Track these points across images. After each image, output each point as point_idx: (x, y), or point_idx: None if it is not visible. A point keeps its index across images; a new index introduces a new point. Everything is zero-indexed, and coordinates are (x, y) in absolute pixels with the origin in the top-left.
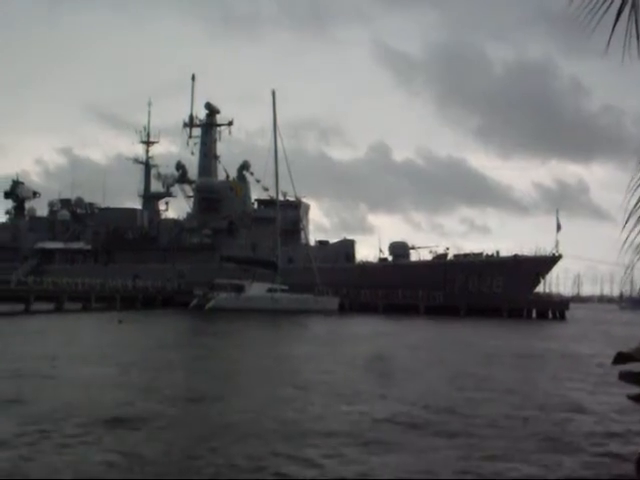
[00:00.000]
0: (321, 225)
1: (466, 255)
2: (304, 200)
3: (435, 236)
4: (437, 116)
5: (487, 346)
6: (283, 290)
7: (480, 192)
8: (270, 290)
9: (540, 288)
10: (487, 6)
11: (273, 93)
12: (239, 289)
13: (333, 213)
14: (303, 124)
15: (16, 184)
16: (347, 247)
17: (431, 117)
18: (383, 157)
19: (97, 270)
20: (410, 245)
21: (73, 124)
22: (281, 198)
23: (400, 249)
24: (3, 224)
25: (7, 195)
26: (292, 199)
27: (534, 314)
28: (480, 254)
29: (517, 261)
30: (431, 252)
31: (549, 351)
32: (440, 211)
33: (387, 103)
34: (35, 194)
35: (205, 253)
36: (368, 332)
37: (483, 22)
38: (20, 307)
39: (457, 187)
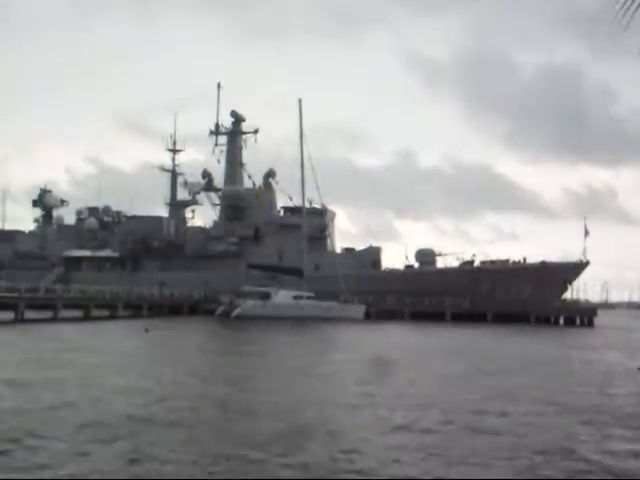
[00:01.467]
0: (347, 232)
1: (493, 262)
2: (330, 207)
3: (462, 243)
4: (464, 121)
5: (533, 355)
6: (309, 297)
7: (507, 198)
8: (296, 297)
9: (568, 295)
10: (514, 10)
11: (299, 101)
12: (265, 296)
13: (359, 220)
14: (329, 130)
15: (44, 192)
16: (373, 254)
17: (458, 122)
18: (409, 163)
19: (124, 278)
20: (437, 252)
21: (101, 132)
22: (307, 205)
23: (426, 256)
24: (31, 232)
25: (35, 203)
26: (318, 206)
27: (561, 321)
28: (507, 261)
29: (544, 267)
30: (458, 259)
31: (594, 361)
32: (467, 217)
33: (413, 108)
34: (63, 202)
35: (231, 261)
36: (409, 342)
37: (510, 26)
38: (48, 314)
39: (484, 193)
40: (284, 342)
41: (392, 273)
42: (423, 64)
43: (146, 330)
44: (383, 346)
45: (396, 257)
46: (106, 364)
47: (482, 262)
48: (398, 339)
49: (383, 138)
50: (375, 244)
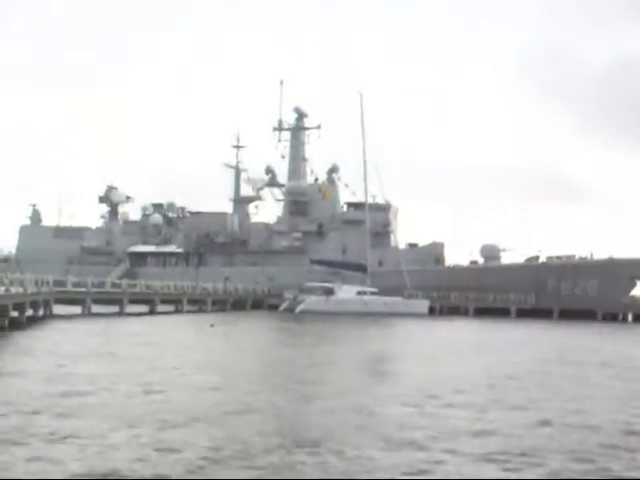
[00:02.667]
0: (411, 227)
1: (559, 257)
2: (393, 202)
3: (527, 238)
4: (530, 113)
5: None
6: (373, 293)
7: (575, 192)
8: (360, 293)
9: (636, 291)
10: None
11: (361, 96)
12: (329, 292)
13: (424, 215)
14: (393, 121)
15: (110, 189)
16: (437, 249)
17: (523, 114)
18: (474, 156)
19: (188, 273)
20: (501, 247)
21: (163, 127)
22: (370, 200)
23: (491, 251)
24: (98, 228)
25: (101, 200)
26: (381, 201)
27: (630, 318)
28: (573, 256)
29: (612, 263)
30: (523, 254)
31: None
32: (533, 212)
33: (477, 100)
34: (128, 198)
35: (295, 256)
36: (487, 339)
37: (578, 14)
38: (114, 309)
39: (551, 187)
40: (370, 337)
41: (456, 269)
42: (489, 54)
43: (211, 325)
44: (477, 345)
45: (460, 253)
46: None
47: (548, 257)
48: (484, 336)
49: (447, 130)
50: (439, 239)
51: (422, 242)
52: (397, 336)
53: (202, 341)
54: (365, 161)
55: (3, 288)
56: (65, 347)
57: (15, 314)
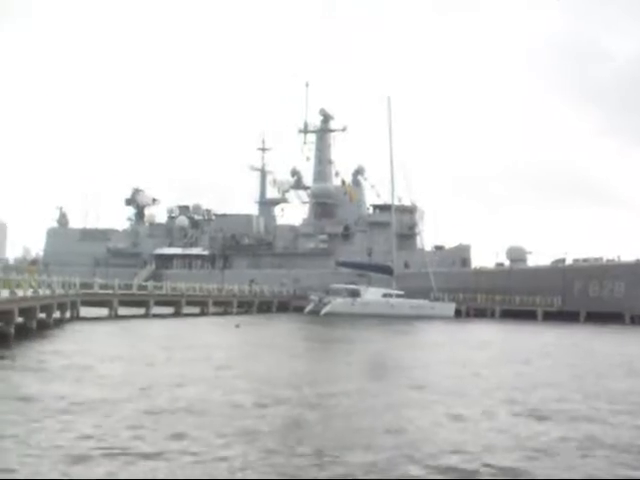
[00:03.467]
0: (437, 229)
1: (585, 260)
2: (419, 204)
3: (554, 240)
4: (556, 113)
5: None
6: (399, 295)
7: (603, 194)
8: (386, 295)
9: None
10: None
11: (388, 99)
12: (355, 294)
13: (449, 217)
14: (421, 123)
15: (136, 192)
16: (463, 252)
17: (549, 114)
18: (502, 157)
19: (214, 275)
20: (528, 249)
21: (188, 130)
22: (396, 202)
23: (517, 253)
24: (124, 230)
25: (128, 202)
26: (408, 203)
27: None
28: (600, 258)
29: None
30: (549, 257)
31: None
32: (560, 214)
33: (503, 101)
34: (154, 201)
35: (320, 258)
36: (528, 343)
37: (600, 11)
38: (140, 311)
39: (578, 189)
40: (399, 340)
41: (482, 271)
42: (512, 51)
43: (237, 326)
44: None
45: (486, 255)
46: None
47: (574, 260)
48: (524, 341)
49: (472, 131)
50: (465, 242)
51: (448, 244)
52: (437, 341)
53: (229, 342)
54: (392, 163)
55: (31, 290)
56: (95, 349)
57: (42, 316)
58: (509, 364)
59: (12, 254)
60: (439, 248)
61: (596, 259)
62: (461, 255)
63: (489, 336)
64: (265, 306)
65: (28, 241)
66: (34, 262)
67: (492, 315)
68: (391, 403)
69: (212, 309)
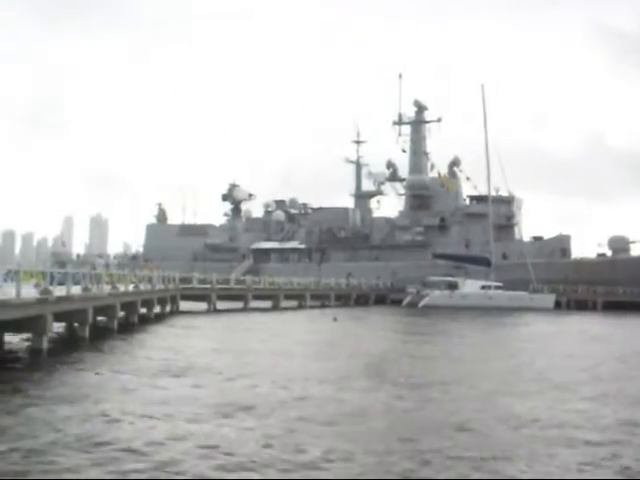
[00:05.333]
0: (535, 220)
1: None
2: (517, 194)
3: None
4: None
5: None
6: (497, 287)
7: None
8: (484, 287)
9: None
10: None
11: (482, 88)
12: (452, 286)
13: (548, 207)
14: (516, 114)
15: (233, 187)
16: (563, 242)
17: None
18: (599, 144)
19: (311, 269)
20: (631, 239)
21: (285, 125)
22: (493, 193)
23: (620, 243)
24: (221, 225)
25: (225, 198)
26: (505, 194)
27: None
28: None
29: None
30: None
31: None
32: None
33: (602, 86)
34: (251, 196)
35: (417, 250)
36: None
37: None
38: (239, 305)
39: None
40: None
41: (583, 261)
42: (611, 37)
43: (334, 319)
44: None
45: (587, 245)
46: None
47: None
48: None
49: (571, 118)
50: (565, 231)
51: (547, 235)
52: (550, 332)
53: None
54: (487, 152)
55: (132, 285)
56: (199, 343)
57: (144, 310)
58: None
59: (113, 250)
60: (538, 239)
61: None
62: (561, 245)
63: (596, 328)
64: (362, 299)
65: (128, 237)
66: (133, 257)
67: (593, 307)
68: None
69: (310, 302)
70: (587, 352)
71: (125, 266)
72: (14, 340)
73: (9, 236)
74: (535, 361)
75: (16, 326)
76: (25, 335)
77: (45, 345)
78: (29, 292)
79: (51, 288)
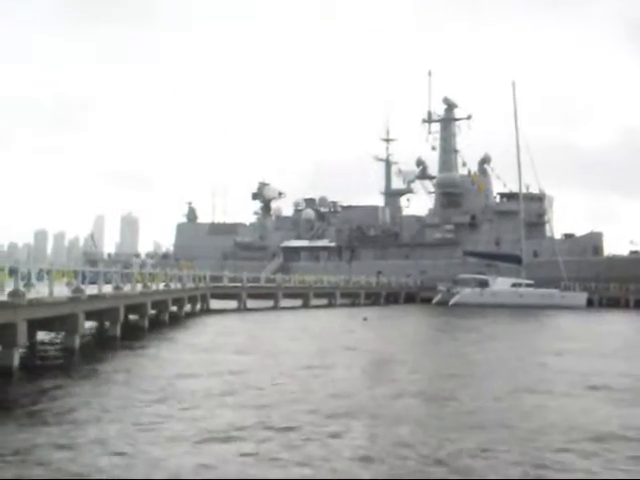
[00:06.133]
0: (567, 217)
1: None
2: (548, 192)
3: None
4: None
5: None
6: (528, 285)
7: None
8: (515, 285)
9: None
10: None
11: (513, 84)
12: (483, 284)
13: (580, 204)
14: (546, 111)
15: (262, 186)
16: (595, 240)
17: None
18: (632, 140)
19: (341, 267)
20: None
21: (314, 123)
22: (524, 190)
23: None
24: (251, 224)
25: (255, 196)
26: (535, 191)
27: None
28: None
29: None
30: None
31: None
32: None
33: (635, 81)
34: (280, 194)
35: (447, 248)
36: None
37: None
38: (269, 303)
39: None
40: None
41: (615, 259)
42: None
43: (364, 319)
44: None
45: (620, 242)
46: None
47: None
48: None
49: (605, 115)
50: (597, 229)
51: (579, 232)
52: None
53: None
54: (518, 149)
55: (163, 284)
56: (231, 341)
57: (174, 309)
58: None
59: (143, 249)
60: (569, 236)
61: None
62: (592, 243)
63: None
64: (392, 297)
65: (158, 236)
66: (164, 256)
67: (626, 305)
68: None
69: (340, 301)
70: None
71: (156, 265)
72: (46, 338)
73: (41, 235)
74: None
75: (49, 324)
76: (57, 333)
77: (77, 343)
78: (61, 291)
79: (83, 287)
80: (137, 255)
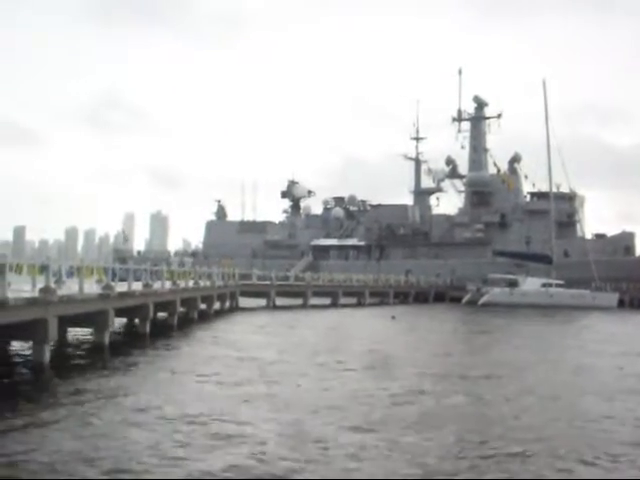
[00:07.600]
0: (598, 217)
1: None
2: (579, 191)
3: None
4: None
5: None
6: (558, 285)
7: None
8: (545, 285)
9: None
10: None
11: (544, 82)
12: (513, 284)
13: (612, 204)
14: (578, 109)
15: (292, 184)
16: (626, 240)
17: None
18: None
19: (370, 266)
20: None
21: (344, 122)
22: (554, 190)
23: None
24: (281, 222)
25: (284, 195)
26: (566, 191)
27: None
28: None
29: None
30: None
31: None
32: None
33: None
34: (310, 193)
35: (477, 248)
36: None
37: None
38: (298, 301)
39: None
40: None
41: None
42: None
43: (392, 317)
44: None
45: None
46: None
47: None
48: None
49: (635, 113)
50: (629, 229)
51: (611, 232)
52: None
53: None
54: (549, 149)
55: (192, 282)
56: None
57: (203, 306)
58: None
59: (173, 246)
60: (600, 236)
61: None
62: (624, 243)
63: None
64: (422, 296)
65: (188, 234)
66: (193, 254)
67: None
68: None
69: (369, 300)
70: None
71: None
72: (77, 335)
73: (72, 232)
74: None
75: (79, 321)
76: (87, 330)
77: (107, 340)
78: (92, 288)
79: (113, 284)
80: (176, 254)
